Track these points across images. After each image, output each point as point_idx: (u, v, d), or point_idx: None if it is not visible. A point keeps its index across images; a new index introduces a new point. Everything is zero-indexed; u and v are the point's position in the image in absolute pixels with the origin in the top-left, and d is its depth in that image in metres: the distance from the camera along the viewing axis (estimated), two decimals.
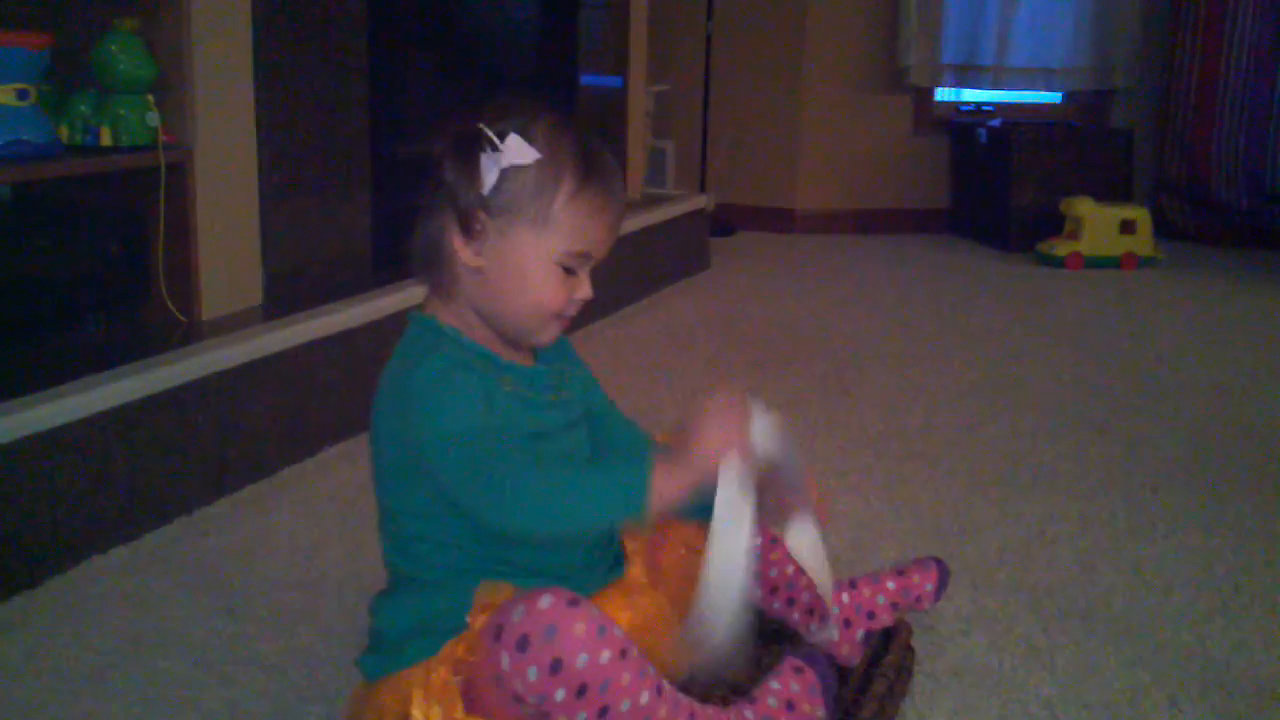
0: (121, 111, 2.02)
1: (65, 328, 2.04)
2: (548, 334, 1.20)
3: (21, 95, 1.86)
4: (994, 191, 4.63)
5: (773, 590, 1.39)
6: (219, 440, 1.97)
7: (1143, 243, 4.24)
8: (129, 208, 2.11)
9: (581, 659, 1.02)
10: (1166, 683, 1.46)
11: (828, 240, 4.79)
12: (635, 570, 1.27)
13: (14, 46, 1.85)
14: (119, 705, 1.37)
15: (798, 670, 1.20)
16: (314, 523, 1.89)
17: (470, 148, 1.13)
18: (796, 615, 1.40)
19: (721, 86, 4.75)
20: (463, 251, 1.15)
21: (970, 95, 5.12)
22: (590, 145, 1.17)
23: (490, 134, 1.12)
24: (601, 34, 3.73)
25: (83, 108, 2.03)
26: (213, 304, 2.19)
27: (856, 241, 4.78)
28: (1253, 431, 2.46)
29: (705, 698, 1.20)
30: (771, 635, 1.43)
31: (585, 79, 3.58)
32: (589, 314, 1.23)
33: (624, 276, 3.36)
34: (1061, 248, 4.24)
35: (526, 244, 1.14)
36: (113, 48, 2.01)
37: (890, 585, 1.46)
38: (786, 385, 2.69)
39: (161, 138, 2.05)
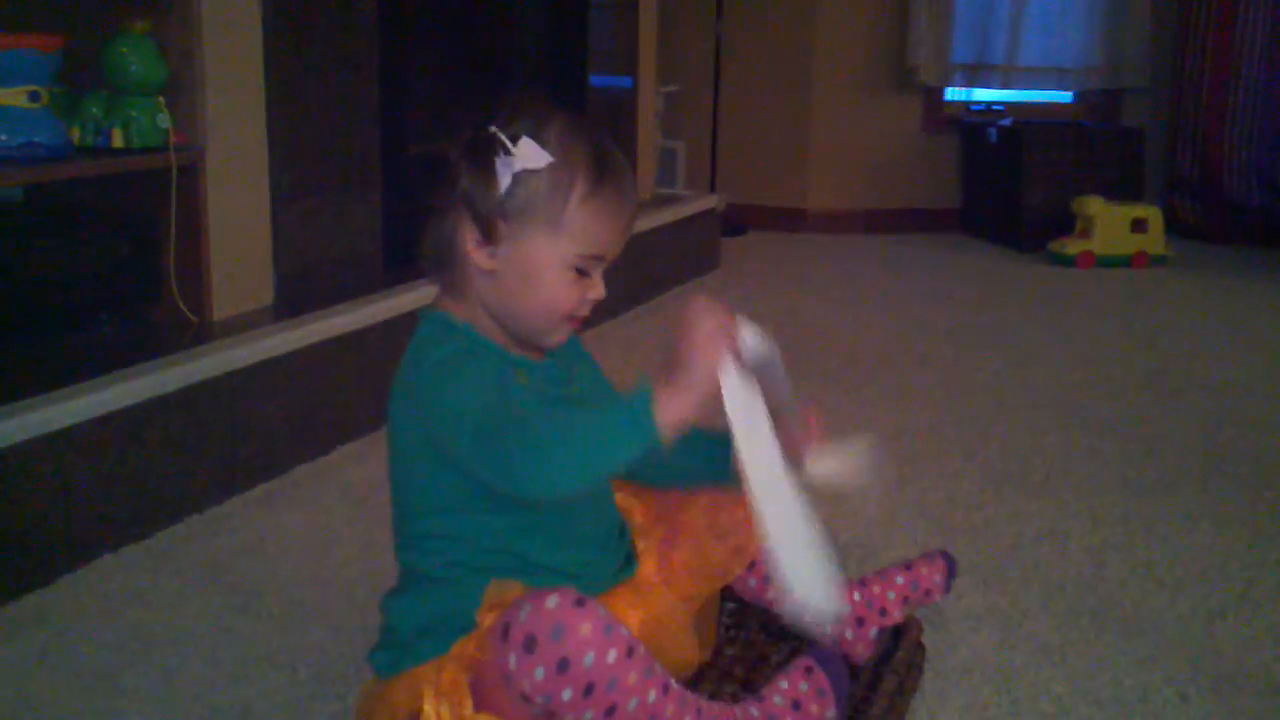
0: (133, 113, 2.02)
1: (77, 328, 2.05)
2: (560, 335, 1.20)
3: (33, 97, 1.87)
4: (1005, 191, 4.62)
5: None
6: (230, 440, 1.98)
7: (1154, 242, 4.23)
8: (140, 209, 2.12)
9: (588, 658, 1.02)
10: (1177, 680, 1.46)
11: (838, 240, 4.79)
12: (646, 569, 1.27)
13: (26, 49, 1.86)
14: (131, 703, 1.37)
15: (808, 671, 1.20)
16: (325, 521, 1.90)
17: (483, 151, 1.13)
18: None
19: (731, 87, 4.75)
20: (475, 254, 1.15)
21: (981, 94, 5.11)
22: (603, 147, 1.16)
23: (503, 138, 1.12)
24: (611, 34, 3.73)
25: (94, 110, 2.04)
26: (224, 304, 2.20)
27: (867, 241, 4.78)
28: (1265, 429, 2.45)
29: (713, 695, 1.20)
30: (782, 632, 1.43)
31: (595, 80, 3.59)
32: (599, 314, 1.23)
33: (634, 277, 3.36)
34: (1073, 247, 4.23)
35: (539, 247, 1.14)
36: (124, 49, 2.02)
37: (899, 580, 1.45)
38: (797, 384, 2.68)
39: (172, 139, 2.06)
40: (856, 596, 1.42)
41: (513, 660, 1.02)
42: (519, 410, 1.10)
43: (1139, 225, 4.22)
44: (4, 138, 1.85)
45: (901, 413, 2.52)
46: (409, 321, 1.23)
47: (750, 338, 1.11)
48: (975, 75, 4.96)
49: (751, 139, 4.91)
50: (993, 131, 4.70)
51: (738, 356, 1.08)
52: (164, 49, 2.07)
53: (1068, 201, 4.35)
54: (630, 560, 1.27)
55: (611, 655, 1.03)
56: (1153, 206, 4.29)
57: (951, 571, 1.48)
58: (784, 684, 1.20)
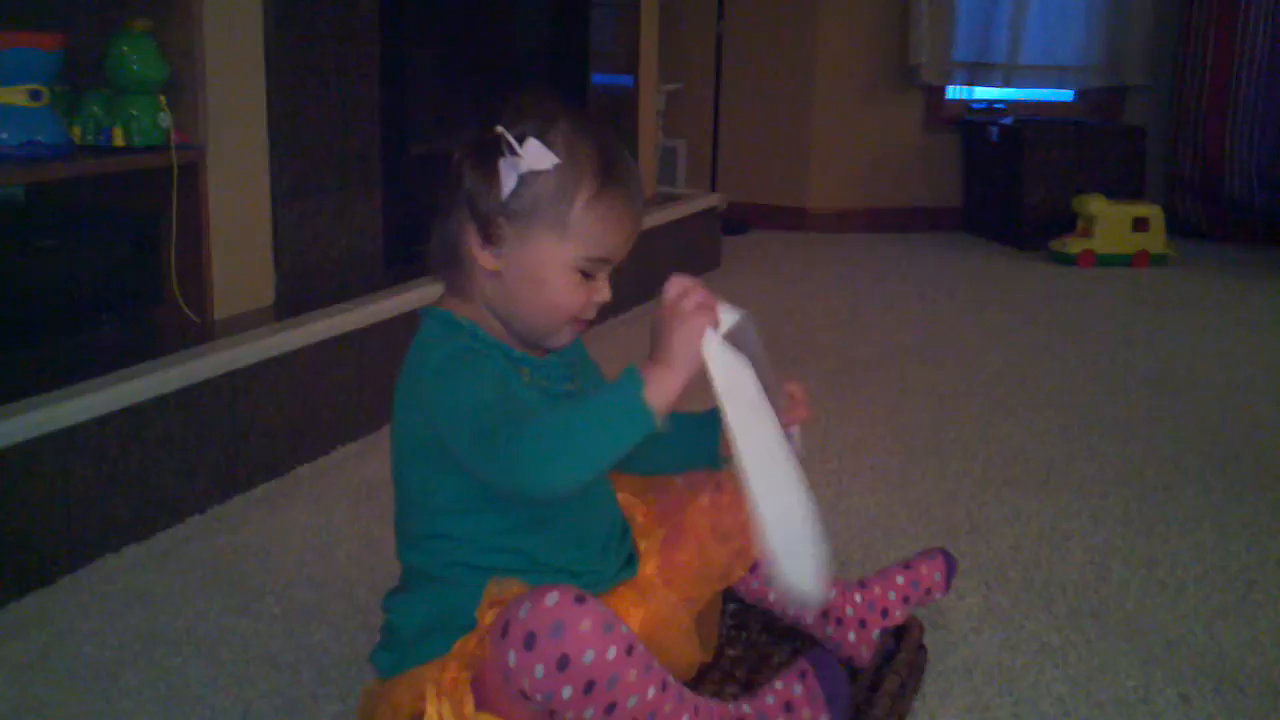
0: (134, 112, 2.02)
1: (78, 328, 2.04)
2: (564, 337, 1.20)
3: (35, 96, 1.87)
4: (1006, 189, 4.62)
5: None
6: (231, 439, 1.98)
7: (1156, 240, 4.23)
8: (141, 208, 2.12)
9: (588, 656, 1.02)
10: (1179, 680, 1.46)
11: (840, 238, 4.79)
12: (648, 569, 1.27)
13: (27, 48, 1.86)
14: (132, 703, 1.37)
15: (802, 674, 1.20)
16: (326, 521, 1.90)
17: (489, 152, 1.13)
18: (810, 617, 1.40)
19: (732, 85, 4.75)
20: (480, 255, 1.15)
21: (982, 93, 5.10)
22: (610, 148, 1.16)
23: (509, 138, 1.12)
24: (613, 33, 3.73)
25: (95, 108, 2.04)
26: (225, 304, 2.20)
27: (868, 240, 4.77)
28: (1266, 429, 2.45)
29: (714, 695, 1.20)
30: (784, 633, 1.43)
31: (597, 78, 3.58)
32: (601, 313, 1.23)
33: (636, 275, 3.35)
34: (1074, 245, 4.23)
35: (545, 249, 1.14)
36: (125, 48, 2.02)
37: (900, 580, 1.45)
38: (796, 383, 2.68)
39: (174, 138, 2.06)
40: (858, 599, 1.42)
41: (512, 658, 1.02)
42: (520, 409, 1.09)
43: (1140, 224, 4.22)
44: (5, 136, 1.85)
45: (901, 411, 2.52)
46: (410, 321, 1.23)
47: (727, 313, 1.10)
48: (976, 74, 4.95)
49: (753, 137, 4.90)
50: (994, 130, 4.70)
51: (719, 326, 1.07)
52: (165, 48, 2.07)
53: (1069, 200, 4.35)
54: (632, 561, 1.27)
55: (611, 652, 1.03)
56: (1154, 205, 4.29)
57: (951, 568, 1.48)
58: (779, 684, 1.20)
